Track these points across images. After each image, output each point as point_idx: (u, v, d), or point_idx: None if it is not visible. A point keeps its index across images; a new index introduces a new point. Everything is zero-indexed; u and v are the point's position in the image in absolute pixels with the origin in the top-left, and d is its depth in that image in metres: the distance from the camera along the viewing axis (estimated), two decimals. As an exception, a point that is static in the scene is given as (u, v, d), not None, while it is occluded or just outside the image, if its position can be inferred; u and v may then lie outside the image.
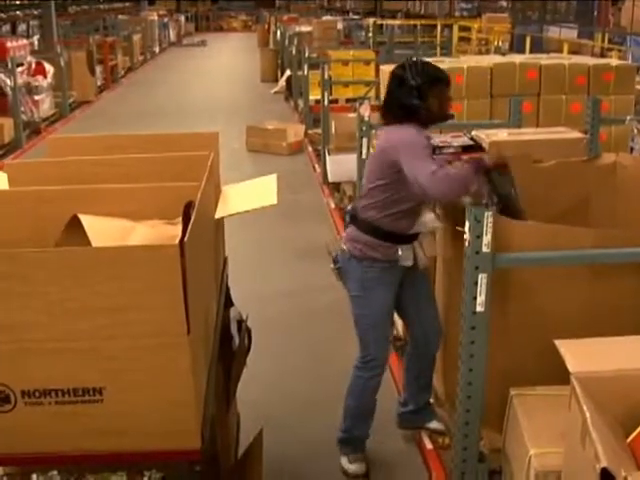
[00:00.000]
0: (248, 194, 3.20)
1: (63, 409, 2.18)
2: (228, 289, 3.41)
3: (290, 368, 5.06)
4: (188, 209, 2.35)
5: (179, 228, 2.30)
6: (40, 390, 2.16)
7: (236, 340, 3.10)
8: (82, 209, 2.53)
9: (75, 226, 2.45)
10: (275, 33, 22.66)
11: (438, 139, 5.25)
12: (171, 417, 2.20)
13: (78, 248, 2.27)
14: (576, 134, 4.86)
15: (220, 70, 22.34)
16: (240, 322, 3.22)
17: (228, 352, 2.95)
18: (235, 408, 3.59)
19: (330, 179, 8.29)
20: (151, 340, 2.15)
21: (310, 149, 11.03)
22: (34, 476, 2.15)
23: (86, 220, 2.45)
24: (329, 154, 8.35)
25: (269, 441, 3.57)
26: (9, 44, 12.74)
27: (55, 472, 2.18)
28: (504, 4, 33.24)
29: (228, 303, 3.31)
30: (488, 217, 2.92)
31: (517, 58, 7.74)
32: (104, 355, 2.15)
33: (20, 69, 12.33)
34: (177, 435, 2.21)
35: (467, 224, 2.95)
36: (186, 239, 2.13)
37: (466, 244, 2.97)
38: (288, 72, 16.19)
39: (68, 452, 2.22)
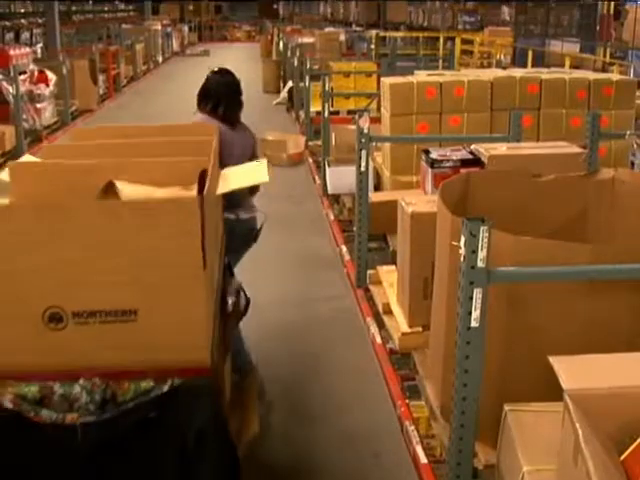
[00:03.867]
0: (244, 174, 3.71)
1: (105, 327, 2.70)
2: (228, 262, 3.85)
3: (286, 376, 5.05)
4: (203, 175, 2.87)
5: (194, 193, 2.83)
6: (87, 312, 2.68)
7: (230, 305, 3.44)
8: (112, 179, 2.99)
9: (109, 190, 2.92)
10: (278, 44, 22.72)
11: (437, 152, 5.27)
12: (189, 336, 2.75)
13: (118, 200, 2.87)
14: (575, 149, 4.87)
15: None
16: (239, 291, 3.62)
17: (224, 311, 3.34)
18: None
19: (329, 191, 8.29)
20: (175, 272, 2.70)
21: (311, 160, 11.04)
22: (80, 381, 2.63)
23: (119, 184, 2.94)
24: (329, 166, 8.36)
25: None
26: (12, 52, 12.81)
27: (97, 379, 2.64)
28: (507, 18, 33.35)
29: (227, 274, 3.72)
30: (484, 232, 2.91)
31: (518, 72, 7.76)
32: (138, 284, 2.69)
33: (23, 77, 12.35)
34: (193, 351, 2.74)
35: (462, 239, 2.94)
36: (204, 194, 2.71)
37: (461, 259, 2.96)
38: (290, 83, 16.23)
39: (108, 364, 2.69)
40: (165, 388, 2.64)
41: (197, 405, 2.68)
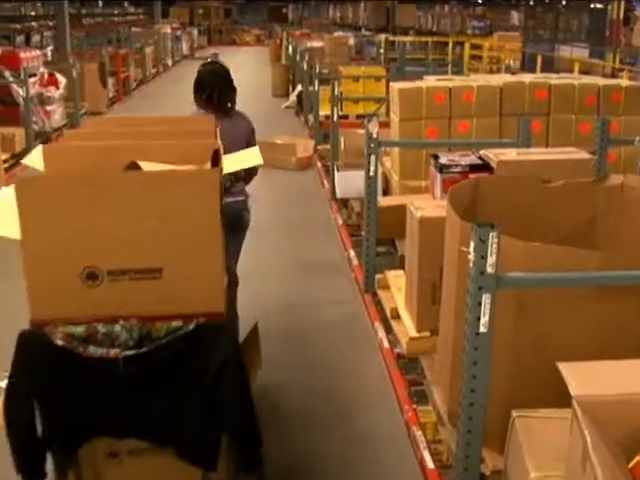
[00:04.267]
0: (241, 159, 4.28)
1: (135, 284, 3.14)
2: None
3: (292, 379, 5.06)
4: (216, 154, 3.44)
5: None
6: (119, 270, 3.12)
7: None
8: (133, 159, 3.29)
9: (133, 167, 3.24)
10: (287, 48, 22.74)
11: (446, 157, 5.27)
12: (207, 288, 3.21)
13: (147, 171, 3.23)
14: (584, 155, 4.86)
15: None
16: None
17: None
18: None
19: (338, 195, 8.29)
20: (195, 234, 3.15)
21: (319, 165, 11.04)
22: (120, 322, 3.11)
23: (142, 163, 3.25)
24: (338, 170, 8.36)
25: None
26: (22, 54, 12.82)
27: (134, 320, 3.12)
28: (516, 23, 33.35)
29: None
30: (493, 237, 2.91)
31: (527, 77, 7.75)
32: (163, 245, 3.14)
33: (33, 80, 12.37)
34: (210, 301, 3.22)
35: (471, 244, 2.94)
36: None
37: (470, 264, 2.96)
38: (299, 87, 16.24)
39: (139, 313, 3.13)
40: (191, 327, 3.14)
41: (218, 341, 3.20)
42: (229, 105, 5.10)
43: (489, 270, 2.92)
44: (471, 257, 2.95)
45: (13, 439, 3.20)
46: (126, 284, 3.13)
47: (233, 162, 4.06)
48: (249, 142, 4.90)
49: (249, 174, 4.96)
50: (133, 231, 3.11)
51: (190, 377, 3.18)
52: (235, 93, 5.16)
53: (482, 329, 2.99)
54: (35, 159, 3.54)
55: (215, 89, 5.02)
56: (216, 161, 3.42)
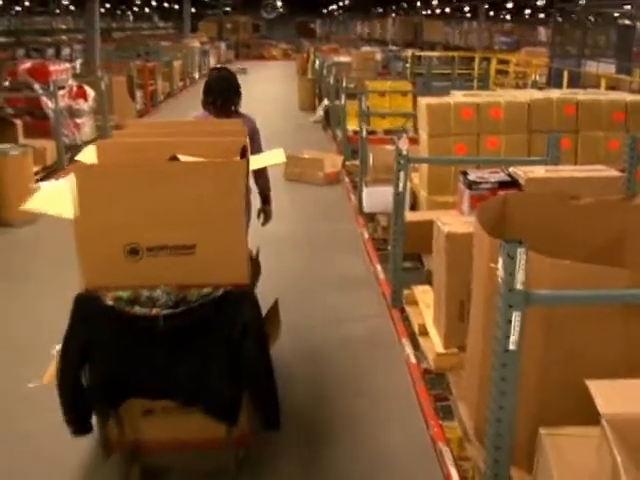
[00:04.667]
0: (266, 158, 4.87)
1: (171, 259, 3.67)
2: None
3: (318, 394, 5.06)
4: (244, 149, 4.04)
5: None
6: (158, 246, 3.65)
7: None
8: (173, 153, 3.83)
9: (173, 159, 3.79)
10: (314, 63, 22.82)
11: (475, 174, 5.27)
12: (234, 261, 3.75)
13: (184, 162, 3.78)
14: (613, 172, 4.85)
15: (259, 97, 22.47)
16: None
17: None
18: None
19: (365, 210, 8.31)
20: (224, 215, 3.68)
21: (347, 180, 11.04)
22: (160, 287, 3.64)
23: (180, 156, 3.78)
24: (366, 185, 8.37)
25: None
26: (52, 67, 12.92)
27: (172, 286, 3.64)
28: (543, 38, 33.28)
29: None
30: (521, 254, 2.91)
31: (554, 93, 7.73)
32: (196, 225, 3.67)
33: (61, 92, 12.45)
34: (236, 272, 3.74)
35: (500, 261, 2.94)
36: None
37: (499, 281, 2.97)
38: (325, 101, 16.28)
39: (176, 283, 3.66)
40: (219, 293, 3.66)
41: (242, 307, 3.72)
42: (233, 108, 5.46)
43: (518, 287, 2.92)
44: (500, 274, 2.95)
45: (64, 395, 3.74)
46: (164, 259, 3.66)
47: (259, 160, 4.71)
48: (252, 140, 4.91)
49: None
50: (171, 213, 3.65)
51: (217, 337, 3.69)
52: (239, 97, 5.51)
53: (511, 346, 2.99)
54: (88, 155, 4.10)
55: (220, 93, 5.40)
56: (244, 155, 4.00)
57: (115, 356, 3.70)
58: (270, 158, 4.83)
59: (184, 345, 3.66)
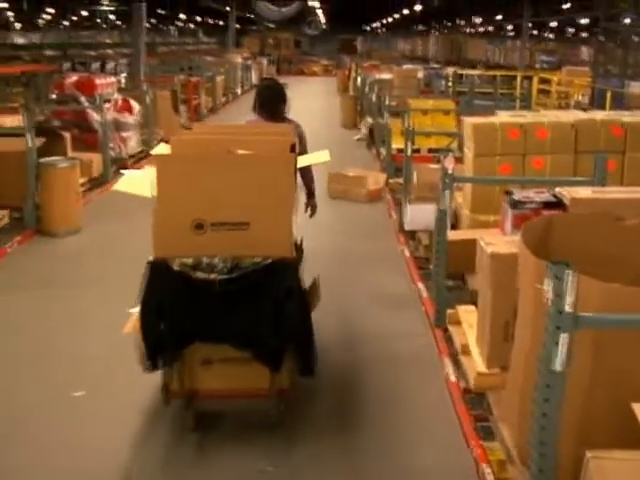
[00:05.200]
0: (313, 157, 5.64)
1: (229, 233, 4.40)
2: None
3: (358, 411, 5.07)
4: (293, 147, 4.81)
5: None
6: (219, 222, 4.39)
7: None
8: (233, 148, 4.65)
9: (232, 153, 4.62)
10: (355, 79, 22.89)
11: (520, 194, 5.27)
12: (281, 237, 4.46)
13: (242, 154, 4.63)
14: (661, 194, 4.82)
15: (301, 113, 22.47)
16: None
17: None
18: None
19: (407, 227, 8.31)
20: (274, 199, 4.43)
21: (390, 197, 11.03)
22: (218, 255, 4.36)
23: (239, 150, 4.60)
24: (409, 203, 8.38)
25: None
26: (98, 81, 13.06)
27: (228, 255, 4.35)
28: (586, 58, 33.06)
29: None
30: (569, 276, 2.91)
31: (598, 114, 7.69)
32: (250, 206, 4.40)
33: (107, 105, 12.60)
34: (282, 246, 4.45)
35: (547, 282, 2.94)
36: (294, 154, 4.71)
37: (548, 303, 2.97)
38: (370, 120, 16.28)
39: (232, 254, 4.36)
40: (268, 262, 4.36)
41: (286, 274, 4.44)
42: (280, 113, 6.06)
43: (567, 309, 2.92)
44: (548, 295, 2.96)
45: (143, 339, 4.46)
46: (223, 233, 4.38)
47: (306, 159, 5.51)
48: (299, 142, 5.48)
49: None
50: (231, 196, 4.39)
51: (265, 297, 4.39)
52: (285, 104, 6.13)
53: (558, 368, 2.99)
54: (162, 150, 5.20)
55: (269, 100, 6.05)
56: (293, 150, 4.77)
57: (181, 310, 4.42)
58: (316, 157, 5.59)
59: (238, 303, 4.38)
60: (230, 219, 4.39)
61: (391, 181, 11.53)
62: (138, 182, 4.81)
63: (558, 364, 2.98)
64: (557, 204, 5.05)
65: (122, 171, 5.98)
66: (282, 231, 4.47)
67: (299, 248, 5.08)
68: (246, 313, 4.38)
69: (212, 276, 4.32)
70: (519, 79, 22.64)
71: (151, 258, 4.42)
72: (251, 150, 4.61)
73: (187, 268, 4.34)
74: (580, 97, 20.42)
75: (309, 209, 6.18)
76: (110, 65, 27.30)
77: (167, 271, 4.35)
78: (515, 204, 5.11)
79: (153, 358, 4.52)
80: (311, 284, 5.08)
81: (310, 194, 6.18)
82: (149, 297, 4.43)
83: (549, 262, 3.01)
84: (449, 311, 5.51)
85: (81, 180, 9.98)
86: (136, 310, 4.55)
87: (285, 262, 4.42)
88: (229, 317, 4.39)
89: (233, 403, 4.84)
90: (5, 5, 35.50)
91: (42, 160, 9.17)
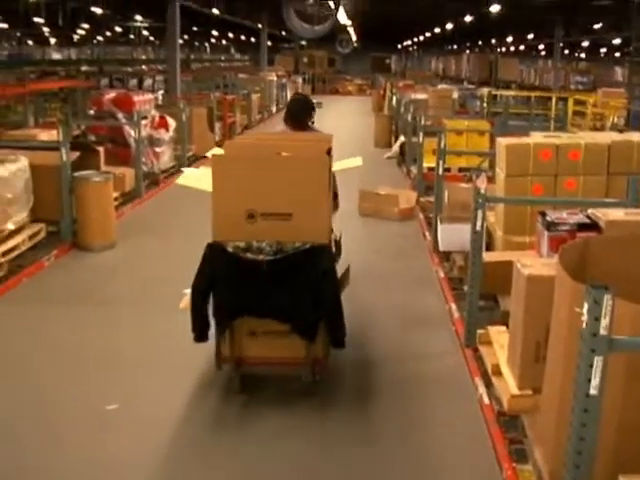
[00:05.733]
0: (347, 162, 6.46)
1: (275, 222, 5.18)
2: None
3: (389, 432, 5.07)
4: (329, 151, 5.51)
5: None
6: (267, 213, 5.19)
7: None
8: (278, 151, 5.47)
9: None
10: (390, 99, 22.92)
11: (554, 215, 5.26)
12: (319, 227, 5.24)
13: (286, 155, 5.39)
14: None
15: (334, 132, 22.64)
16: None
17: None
18: None
19: (441, 248, 8.29)
20: (314, 193, 5.20)
21: (421, 216, 11.03)
22: (266, 240, 5.12)
23: (283, 153, 5.41)
24: (441, 223, 8.37)
25: None
26: (135, 98, 13.16)
27: (274, 240, 5.18)
28: (620, 79, 32.90)
29: None
30: (607, 299, 2.91)
31: (635, 136, 7.65)
32: (293, 199, 5.19)
33: (144, 122, 12.72)
34: (320, 235, 5.23)
35: (585, 305, 2.94)
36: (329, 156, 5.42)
37: (583, 326, 2.96)
38: (402, 138, 16.31)
39: (278, 240, 5.15)
40: (307, 246, 5.14)
41: (322, 258, 5.20)
42: (304, 123, 6.68)
43: (602, 332, 2.92)
44: (584, 318, 2.95)
45: (195, 314, 5.26)
46: (271, 222, 5.18)
47: (341, 163, 6.23)
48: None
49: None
50: (277, 190, 5.20)
51: (303, 277, 5.14)
52: (310, 115, 6.77)
53: (592, 391, 2.98)
54: (217, 151, 6.18)
55: (293, 111, 6.73)
56: (329, 154, 5.45)
57: (232, 286, 5.18)
58: (350, 162, 6.52)
59: (281, 281, 5.11)
60: (277, 210, 5.18)
61: (422, 199, 11.54)
62: (196, 178, 6.07)
63: (593, 387, 2.97)
64: (591, 226, 5.04)
65: (182, 169, 6.93)
66: (319, 221, 5.25)
67: (338, 243, 6.06)
68: (287, 290, 5.12)
69: (260, 257, 5.09)
70: (554, 100, 22.54)
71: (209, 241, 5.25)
72: (294, 153, 5.40)
73: (239, 250, 5.11)
74: (616, 119, 20.29)
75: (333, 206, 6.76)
76: (147, 82, 27.61)
77: (222, 252, 5.14)
78: (550, 226, 5.11)
79: (200, 333, 5.30)
80: (344, 270, 5.99)
81: (334, 195, 6.48)
82: (203, 276, 5.22)
83: (588, 285, 3.00)
84: (480, 331, 5.50)
85: (114, 194, 10.06)
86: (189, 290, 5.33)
87: (321, 247, 5.19)
88: (273, 293, 5.13)
89: (274, 369, 5.57)
90: (41, 20, 35.94)
91: (76, 174, 9.29)
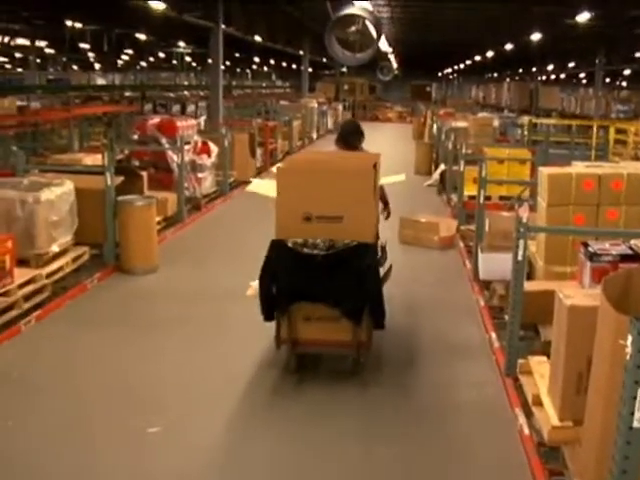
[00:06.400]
0: (391, 177, 7.77)
1: (328, 224, 6.06)
2: None
3: (427, 460, 5.06)
4: (375, 165, 6.27)
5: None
6: (322, 216, 6.07)
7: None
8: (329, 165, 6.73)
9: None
10: (431, 127, 22.93)
11: (596, 246, 5.26)
12: (366, 229, 6.17)
13: (341, 168, 6.46)
14: None
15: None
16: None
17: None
18: None
19: (481, 276, 8.27)
20: (362, 199, 6.12)
21: (461, 244, 11.01)
22: (320, 237, 6.14)
23: (334, 166, 6.59)
24: (482, 251, 8.36)
25: None
26: (179, 123, 13.31)
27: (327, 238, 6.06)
28: (663, 106, 32.59)
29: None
30: (652, 332, 2.90)
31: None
32: (344, 204, 6.08)
33: (187, 147, 12.88)
34: (366, 235, 6.12)
35: (629, 337, 2.94)
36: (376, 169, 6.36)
37: (627, 357, 2.96)
38: (442, 166, 16.30)
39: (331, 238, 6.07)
40: (355, 243, 5.99)
41: (367, 254, 6.07)
42: (353, 143, 7.62)
43: (646, 364, 2.91)
44: (628, 350, 2.95)
45: (262, 298, 6.13)
46: (324, 224, 6.06)
47: (386, 179, 7.42)
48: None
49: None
50: (330, 197, 6.09)
51: (352, 269, 5.97)
52: (359, 137, 7.72)
53: (636, 424, 2.97)
54: (279, 164, 7.44)
55: (344, 133, 7.79)
56: (375, 167, 6.27)
57: (291, 276, 6.06)
58: (394, 178, 7.90)
59: (332, 272, 5.96)
60: (329, 214, 6.06)
61: (462, 228, 11.52)
62: (262, 186, 7.38)
63: (636, 420, 2.96)
64: (634, 257, 5.02)
65: (251, 179, 7.72)
66: (366, 223, 6.16)
67: (384, 249, 7.06)
68: (337, 280, 5.96)
69: (315, 252, 5.97)
70: (595, 129, 22.42)
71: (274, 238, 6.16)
72: (344, 166, 6.50)
73: (297, 246, 6.01)
74: (659, 148, 20.13)
75: (385, 213, 7.64)
76: (190, 107, 27.92)
77: (284, 247, 6.04)
78: (592, 256, 5.10)
79: (267, 314, 6.19)
80: (387, 269, 7.07)
81: (385, 204, 7.65)
82: (268, 267, 6.11)
83: (633, 317, 3.00)
84: (520, 361, 5.48)
85: (156, 219, 10.17)
86: (256, 283, 6.24)
87: (367, 245, 6.08)
88: (325, 282, 5.99)
89: (324, 350, 6.48)
90: (87, 46, 36.62)
91: (120, 198, 9.42)
